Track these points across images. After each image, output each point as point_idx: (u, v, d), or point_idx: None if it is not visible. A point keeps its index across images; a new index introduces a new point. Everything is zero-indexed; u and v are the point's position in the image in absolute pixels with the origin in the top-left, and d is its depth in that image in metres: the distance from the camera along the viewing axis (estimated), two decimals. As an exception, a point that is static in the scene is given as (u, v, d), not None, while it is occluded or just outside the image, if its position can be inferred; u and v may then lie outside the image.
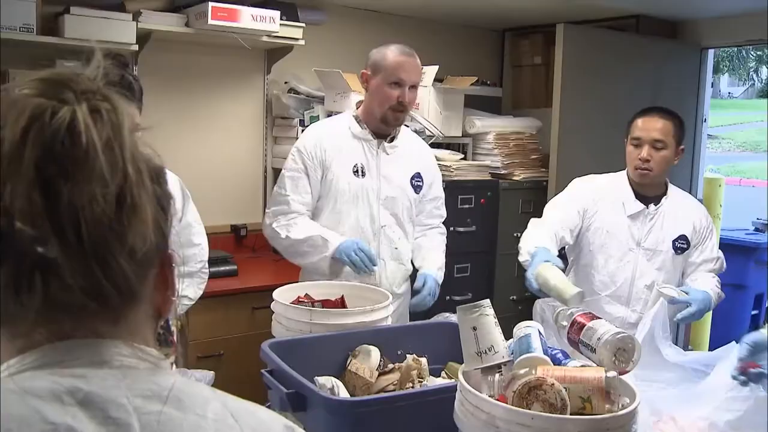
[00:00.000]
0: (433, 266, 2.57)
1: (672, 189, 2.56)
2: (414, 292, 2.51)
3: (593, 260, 2.53)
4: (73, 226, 0.61)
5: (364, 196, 2.50)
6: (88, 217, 0.61)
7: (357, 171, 2.49)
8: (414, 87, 2.46)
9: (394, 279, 2.59)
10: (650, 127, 2.44)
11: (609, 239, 2.50)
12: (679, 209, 2.52)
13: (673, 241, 2.48)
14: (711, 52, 4.38)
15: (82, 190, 0.61)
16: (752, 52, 23.11)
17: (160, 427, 0.64)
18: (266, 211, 2.57)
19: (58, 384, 0.62)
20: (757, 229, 5.23)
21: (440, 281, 2.56)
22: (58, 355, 0.65)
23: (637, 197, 2.51)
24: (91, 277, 0.62)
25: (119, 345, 0.68)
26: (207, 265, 2.39)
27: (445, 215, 2.77)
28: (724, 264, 2.57)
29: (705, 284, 2.39)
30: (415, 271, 2.62)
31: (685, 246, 2.49)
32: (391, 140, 2.54)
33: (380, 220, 2.53)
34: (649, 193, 2.51)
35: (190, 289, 2.29)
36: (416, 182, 2.60)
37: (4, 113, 0.62)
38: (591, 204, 2.54)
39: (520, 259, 2.39)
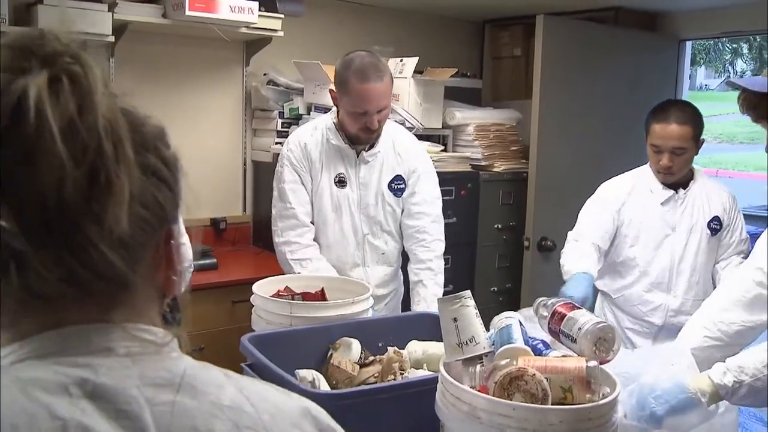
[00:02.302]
0: (430, 302, 2.43)
1: (698, 173, 2.58)
2: None
3: (631, 252, 2.55)
4: (37, 215, 0.56)
5: (346, 207, 2.48)
6: (53, 204, 0.56)
7: (339, 181, 2.47)
8: (382, 108, 2.35)
9: (382, 282, 2.58)
10: (668, 135, 2.42)
11: (644, 229, 2.53)
12: (708, 192, 2.55)
13: (708, 223, 2.52)
14: (689, 44, 4.41)
15: (42, 174, 0.56)
16: (728, 45, 23.34)
17: (173, 419, 0.61)
18: (274, 228, 2.49)
19: (64, 375, 0.59)
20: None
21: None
22: (60, 342, 0.61)
23: (665, 185, 2.53)
24: (67, 267, 0.58)
25: (123, 329, 0.64)
26: (192, 264, 2.36)
27: (434, 213, 2.57)
28: (750, 245, 2.58)
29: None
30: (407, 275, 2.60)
31: (719, 227, 2.53)
32: (371, 147, 2.48)
33: (362, 229, 2.51)
34: (665, 180, 2.53)
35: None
36: (397, 185, 2.52)
37: None
38: (621, 200, 2.55)
39: (564, 277, 2.37)
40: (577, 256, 2.38)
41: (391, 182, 2.52)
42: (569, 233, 2.57)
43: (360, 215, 2.50)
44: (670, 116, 2.43)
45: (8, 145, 0.56)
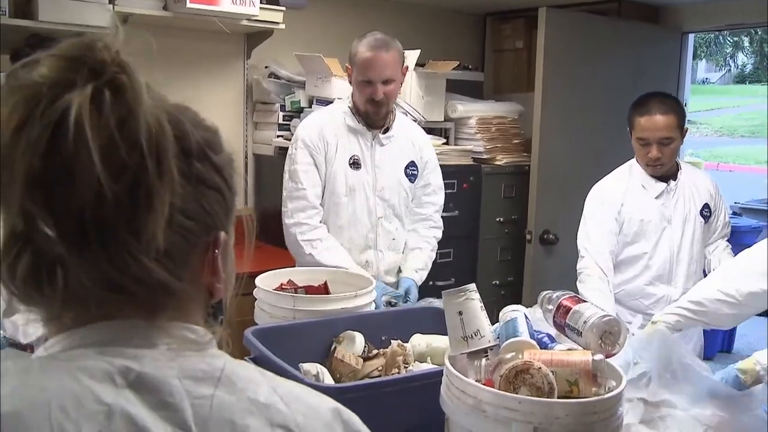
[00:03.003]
0: (410, 269, 2.56)
1: (683, 164, 2.63)
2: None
3: (632, 249, 2.56)
4: (75, 227, 0.58)
5: (361, 189, 2.49)
6: (90, 217, 0.58)
7: (353, 163, 2.48)
8: (389, 81, 2.40)
9: (391, 269, 2.60)
10: (654, 127, 2.44)
11: (643, 225, 2.55)
12: (695, 180, 2.60)
13: (700, 211, 2.56)
14: (691, 36, 4.40)
15: (79, 190, 0.58)
16: (729, 38, 23.32)
17: (212, 412, 0.62)
18: (284, 209, 2.50)
19: (109, 364, 0.61)
20: (735, 213, 5.29)
21: (419, 281, 2.57)
22: (105, 334, 0.63)
23: (656, 179, 2.56)
24: (107, 274, 0.60)
25: (166, 327, 0.66)
26: None
27: (439, 204, 2.70)
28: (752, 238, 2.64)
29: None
30: None
31: (709, 214, 2.58)
32: (386, 130, 2.53)
33: (377, 211, 2.53)
34: (654, 173, 2.56)
35: None
36: (411, 171, 2.59)
37: (4, 102, 0.59)
38: (620, 201, 2.57)
39: None
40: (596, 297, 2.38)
41: (406, 167, 2.57)
42: (580, 243, 2.58)
43: (375, 197, 2.52)
44: (653, 108, 2.46)
45: (49, 160, 0.57)
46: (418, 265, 2.59)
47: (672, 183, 2.55)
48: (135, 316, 0.64)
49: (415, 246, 2.63)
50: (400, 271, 2.61)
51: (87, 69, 0.59)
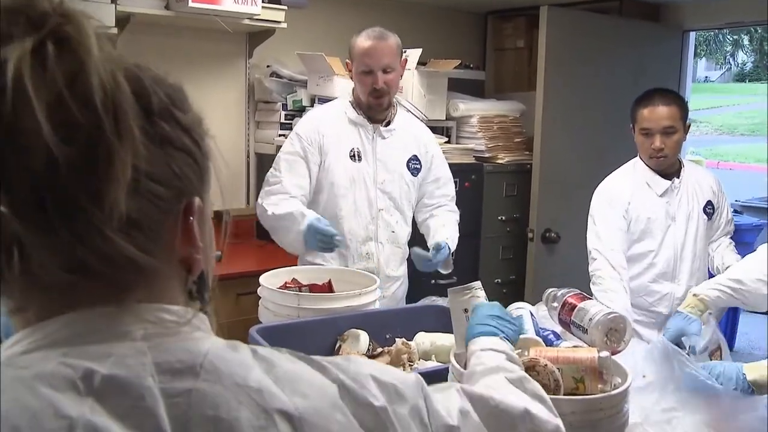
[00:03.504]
0: (442, 236, 2.50)
1: (686, 161, 2.64)
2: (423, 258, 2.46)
3: (638, 247, 2.57)
4: (32, 199, 0.51)
5: (361, 181, 2.50)
6: (45, 186, 0.51)
7: (354, 156, 2.49)
8: (388, 70, 2.42)
9: (390, 262, 2.59)
10: (657, 116, 2.46)
11: (650, 222, 2.55)
12: (697, 177, 2.62)
13: (704, 208, 2.58)
14: (692, 35, 4.40)
15: (31, 156, 0.50)
16: (729, 36, 23.31)
17: (192, 410, 0.55)
18: (261, 192, 2.53)
19: (71, 368, 0.53)
20: (736, 211, 5.28)
21: (453, 246, 2.53)
22: (69, 329, 0.56)
23: (661, 176, 2.56)
24: (69, 252, 0.53)
25: (138, 311, 0.58)
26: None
27: (452, 194, 2.72)
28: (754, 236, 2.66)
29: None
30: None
31: (712, 211, 2.59)
32: (387, 124, 2.54)
33: (377, 203, 2.53)
34: (667, 170, 2.57)
35: None
36: (413, 165, 2.60)
37: None
38: (627, 200, 2.57)
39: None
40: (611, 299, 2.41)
41: (409, 161, 2.58)
42: (591, 244, 2.56)
43: (376, 190, 2.53)
44: (656, 99, 2.49)
45: None
46: (450, 234, 2.55)
47: (676, 181, 2.56)
48: (102, 302, 0.57)
49: (438, 224, 2.59)
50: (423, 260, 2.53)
51: (25, 20, 0.52)
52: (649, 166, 2.57)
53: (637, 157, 2.61)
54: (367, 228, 2.52)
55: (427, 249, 2.50)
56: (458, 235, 2.62)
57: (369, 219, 2.52)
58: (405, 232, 2.63)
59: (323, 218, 2.34)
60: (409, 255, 2.63)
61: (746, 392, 1.66)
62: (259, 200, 2.50)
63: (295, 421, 0.59)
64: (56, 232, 0.52)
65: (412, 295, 2.65)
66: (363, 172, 2.51)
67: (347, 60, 2.52)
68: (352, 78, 2.52)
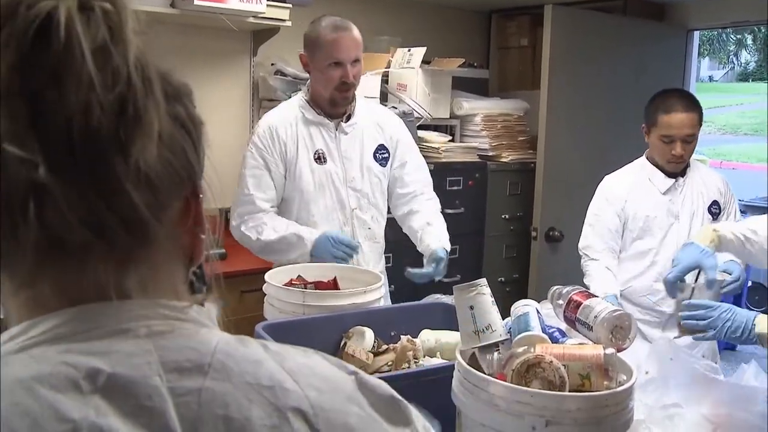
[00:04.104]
0: (436, 241, 2.41)
1: (692, 161, 2.62)
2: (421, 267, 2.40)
3: (639, 245, 2.58)
4: (63, 143, 0.51)
5: (330, 183, 2.42)
6: (80, 131, 0.51)
7: (318, 158, 2.41)
8: (356, 62, 2.33)
9: (370, 259, 2.52)
10: (680, 124, 2.45)
11: (649, 221, 2.56)
12: (703, 177, 2.61)
13: (708, 208, 2.56)
14: (696, 34, 4.40)
15: (71, 98, 0.51)
16: (732, 36, 23.28)
17: (201, 410, 0.54)
18: (231, 212, 2.45)
19: (73, 366, 0.52)
20: (740, 211, 5.28)
21: (449, 248, 2.43)
22: (72, 323, 0.54)
23: (665, 175, 2.57)
24: (90, 206, 0.52)
25: (144, 305, 0.57)
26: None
27: (426, 179, 2.58)
28: None
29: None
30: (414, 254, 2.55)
31: (718, 211, 2.57)
32: (348, 119, 2.45)
33: (350, 203, 2.46)
34: (674, 170, 2.57)
35: None
36: (381, 155, 2.49)
37: None
38: (624, 197, 2.59)
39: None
40: (601, 281, 2.49)
41: (375, 152, 2.48)
42: (581, 243, 2.62)
43: (346, 189, 2.44)
44: (677, 105, 2.47)
45: (34, 63, 0.51)
46: (440, 235, 2.45)
47: (680, 179, 2.56)
48: (107, 282, 0.55)
49: (422, 224, 2.48)
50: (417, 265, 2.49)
51: None
52: (656, 165, 2.57)
53: (644, 157, 2.61)
54: (342, 229, 2.43)
55: (414, 252, 2.46)
56: (445, 226, 2.50)
57: (343, 220, 2.45)
58: (381, 226, 2.55)
59: (334, 234, 2.30)
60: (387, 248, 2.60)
61: (749, 342, 1.67)
62: (233, 222, 2.42)
63: (310, 418, 0.57)
64: (81, 180, 0.51)
65: (417, 293, 2.64)
66: (331, 174, 2.42)
67: (301, 53, 2.41)
68: (308, 72, 2.41)
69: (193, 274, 0.65)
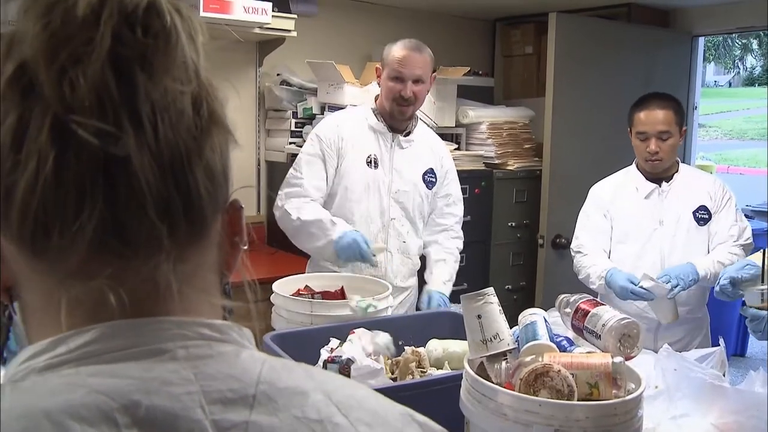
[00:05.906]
0: (438, 281, 2.53)
1: (683, 166, 2.62)
2: (419, 308, 2.51)
3: (622, 248, 2.58)
4: (150, 123, 0.50)
5: (375, 188, 2.50)
6: (167, 116, 0.50)
7: (370, 162, 2.50)
8: (418, 81, 2.43)
9: (399, 272, 2.58)
10: (653, 120, 2.47)
11: (631, 225, 2.56)
12: (692, 182, 2.58)
13: (694, 213, 2.53)
14: (701, 39, 4.39)
15: (162, 83, 0.51)
16: (737, 41, 23.25)
17: None
18: (279, 193, 2.52)
19: (106, 395, 0.46)
20: (747, 216, 5.26)
21: (448, 293, 2.52)
22: (104, 341, 0.50)
23: (650, 180, 2.57)
24: (163, 186, 0.49)
25: (180, 324, 0.53)
26: None
27: (460, 215, 2.70)
28: (750, 234, 2.58)
29: (702, 259, 2.46)
30: (423, 269, 2.64)
31: (707, 216, 2.53)
32: (407, 134, 2.55)
33: (390, 212, 2.53)
34: (662, 174, 2.57)
35: None
36: (429, 178, 2.59)
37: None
38: (609, 200, 2.61)
39: (592, 286, 2.55)
40: (599, 261, 2.55)
41: (424, 174, 2.58)
42: (573, 244, 2.67)
43: (389, 199, 2.52)
44: (652, 103, 2.51)
45: (135, 45, 0.50)
46: (445, 277, 2.57)
47: (664, 184, 2.55)
48: (156, 280, 0.51)
49: (439, 258, 2.61)
50: (425, 284, 2.57)
51: None
52: (641, 170, 2.58)
53: (633, 163, 2.63)
54: (377, 236, 2.51)
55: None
56: (456, 268, 2.64)
57: (380, 227, 2.52)
58: (416, 244, 2.62)
59: (361, 234, 2.33)
60: (421, 267, 2.65)
61: None
62: (279, 202, 2.49)
63: None
64: (160, 160, 0.50)
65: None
66: (378, 180, 2.50)
67: (377, 66, 2.54)
68: (379, 84, 2.52)
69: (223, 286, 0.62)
